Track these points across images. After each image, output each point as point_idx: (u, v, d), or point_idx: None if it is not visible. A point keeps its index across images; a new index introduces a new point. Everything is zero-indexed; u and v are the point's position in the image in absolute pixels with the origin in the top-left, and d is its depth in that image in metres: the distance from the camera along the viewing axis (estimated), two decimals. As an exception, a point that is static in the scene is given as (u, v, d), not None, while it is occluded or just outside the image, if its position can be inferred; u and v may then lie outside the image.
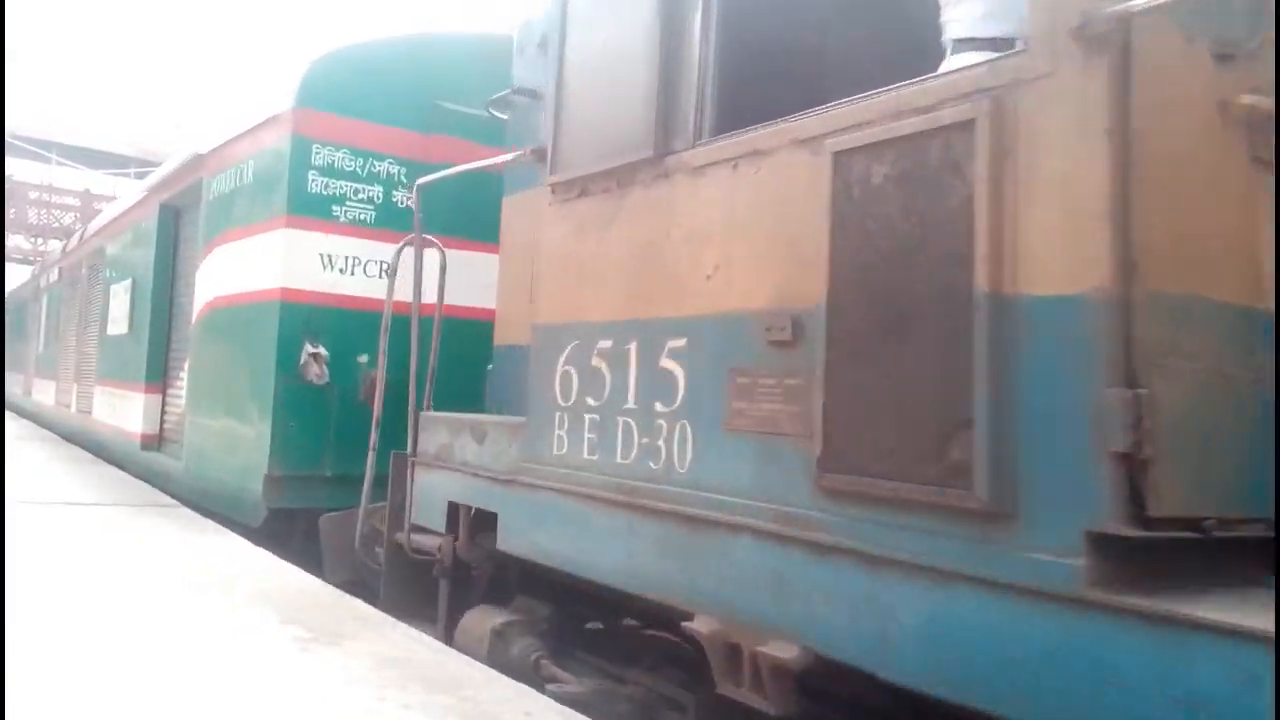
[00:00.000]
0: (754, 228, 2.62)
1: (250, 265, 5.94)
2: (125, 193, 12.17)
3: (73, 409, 11.46)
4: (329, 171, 5.68)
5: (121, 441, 8.72)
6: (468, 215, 5.66)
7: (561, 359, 3.36)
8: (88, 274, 11.31)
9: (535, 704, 2.81)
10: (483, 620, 3.63)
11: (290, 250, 5.56)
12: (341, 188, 5.72)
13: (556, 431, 3.33)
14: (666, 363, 2.87)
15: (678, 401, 2.79)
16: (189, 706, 2.67)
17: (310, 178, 5.63)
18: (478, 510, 3.80)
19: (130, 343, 8.72)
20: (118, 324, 9.23)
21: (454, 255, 5.60)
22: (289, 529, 5.79)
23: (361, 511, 4.82)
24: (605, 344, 3.15)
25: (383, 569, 4.74)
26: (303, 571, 4.90)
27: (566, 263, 3.43)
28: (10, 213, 29.09)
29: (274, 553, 5.31)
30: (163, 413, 8.06)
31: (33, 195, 30.05)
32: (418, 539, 4.29)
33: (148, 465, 7.86)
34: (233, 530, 5.77)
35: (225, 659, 3.12)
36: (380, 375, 4.90)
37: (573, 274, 3.38)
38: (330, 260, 5.68)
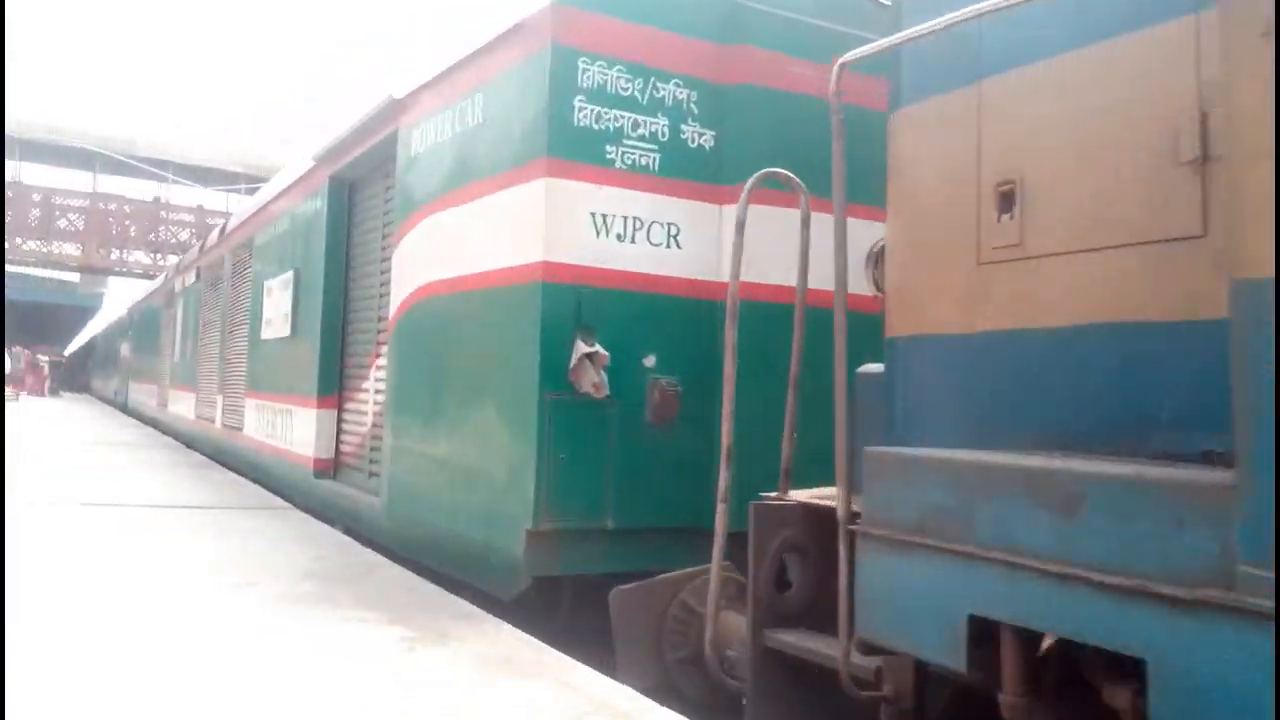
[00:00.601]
0: None
1: (487, 235, 4.32)
2: (230, 207, 10.88)
3: (217, 424, 10.23)
4: (600, 97, 4.01)
5: (286, 466, 7.31)
6: (790, 158, 3.92)
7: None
8: (232, 271, 10.05)
9: (635, 705, 2.80)
10: None
11: (554, 208, 3.91)
12: (617, 120, 4.04)
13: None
14: None
15: None
16: (307, 696, 2.76)
17: (576, 105, 3.96)
18: (1065, 644, 2.03)
19: (293, 347, 7.30)
20: (274, 326, 7.85)
21: (765, 213, 3.91)
22: (552, 599, 4.16)
23: (714, 598, 3.10)
24: None
25: (748, 686, 3.04)
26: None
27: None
28: (131, 229, 30.94)
29: (532, 633, 3.68)
30: (339, 432, 6.58)
31: (152, 213, 32.44)
32: (858, 662, 2.55)
33: (326, 498, 6.38)
34: (461, 594, 4.16)
35: (335, 658, 3.16)
36: (729, 384, 3.19)
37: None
38: (605, 222, 4.00)
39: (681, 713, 2.86)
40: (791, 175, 3.29)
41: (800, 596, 3.11)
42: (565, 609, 4.14)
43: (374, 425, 5.92)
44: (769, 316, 3.85)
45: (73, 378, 40.72)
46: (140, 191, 33.79)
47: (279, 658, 3.14)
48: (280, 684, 2.88)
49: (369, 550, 5.17)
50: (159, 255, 31.41)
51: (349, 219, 6.63)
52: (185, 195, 34.07)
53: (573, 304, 3.91)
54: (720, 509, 3.10)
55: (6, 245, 31.10)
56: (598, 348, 3.92)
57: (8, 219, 30.74)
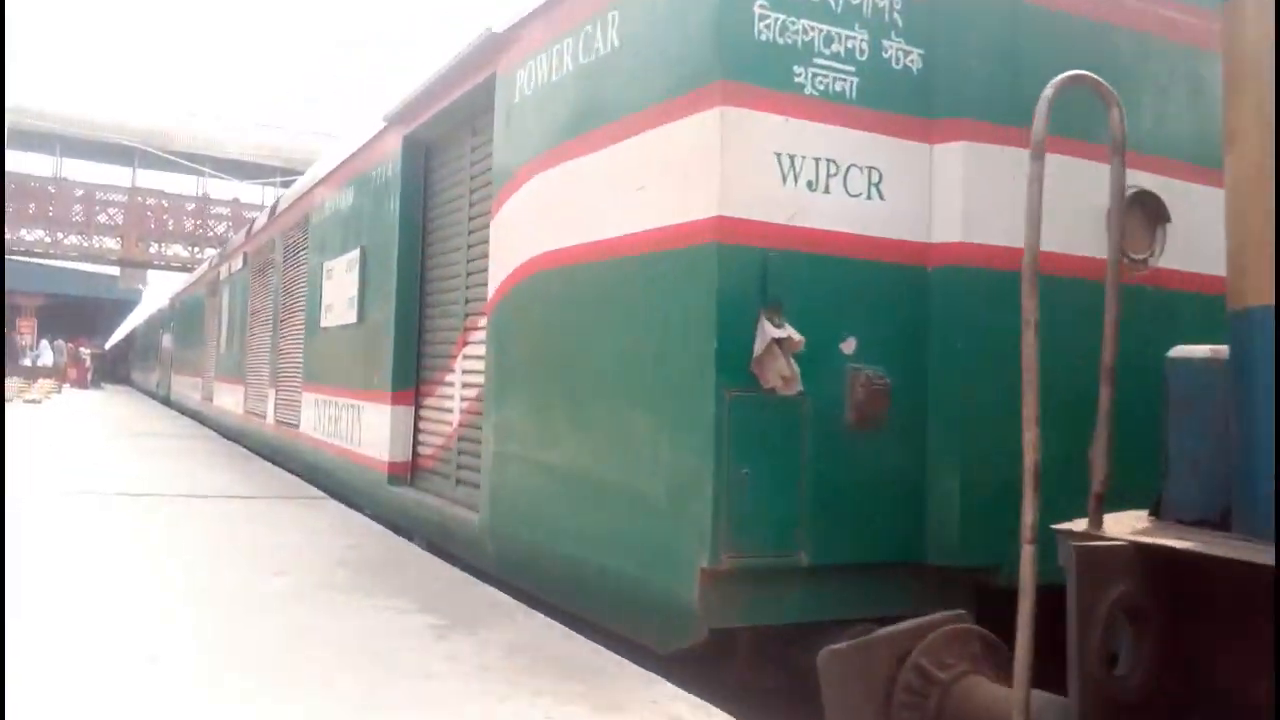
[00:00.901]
0: None
1: (629, 189, 3.40)
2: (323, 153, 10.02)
3: (269, 419, 9.45)
4: (784, 2, 3.09)
5: (352, 468, 6.48)
6: (1021, 88, 2.97)
7: None
8: (284, 254, 9.24)
9: (662, 692, 2.73)
10: None
11: (731, 147, 2.98)
12: (806, 32, 3.11)
13: None
14: None
15: None
16: (339, 684, 2.69)
17: (757, 13, 3.04)
18: None
19: (360, 335, 6.46)
20: (336, 311, 7.02)
21: (991, 153, 3.04)
22: (722, 650, 3.25)
23: (1023, 682, 2.17)
24: None
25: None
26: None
27: None
28: (169, 223, 31.44)
29: (694, 692, 2.79)
30: (416, 432, 5.73)
31: (189, 207, 33.10)
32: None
33: (404, 507, 5.53)
34: (594, 637, 3.28)
35: (365, 643, 3.10)
36: (1030, 373, 2.24)
37: None
38: (794, 166, 3.08)
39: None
40: (1102, 81, 2.35)
41: (1138, 678, 2.19)
42: (740, 662, 3.24)
43: (461, 425, 5.06)
44: (1001, 287, 2.92)
45: (113, 370, 40.57)
46: (179, 186, 34.17)
47: (306, 642, 3.15)
48: (304, 666, 2.89)
49: (405, 541, 5.06)
50: (196, 248, 31.83)
51: (425, 187, 5.76)
52: (221, 188, 34.70)
53: (757, 273, 2.99)
54: (1027, 553, 2.16)
55: (49, 240, 31.12)
56: (789, 330, 3.00)
57: (51, 214, 30.81)
